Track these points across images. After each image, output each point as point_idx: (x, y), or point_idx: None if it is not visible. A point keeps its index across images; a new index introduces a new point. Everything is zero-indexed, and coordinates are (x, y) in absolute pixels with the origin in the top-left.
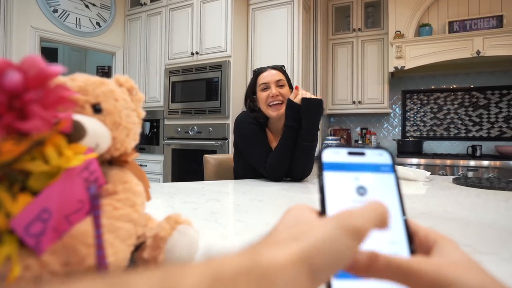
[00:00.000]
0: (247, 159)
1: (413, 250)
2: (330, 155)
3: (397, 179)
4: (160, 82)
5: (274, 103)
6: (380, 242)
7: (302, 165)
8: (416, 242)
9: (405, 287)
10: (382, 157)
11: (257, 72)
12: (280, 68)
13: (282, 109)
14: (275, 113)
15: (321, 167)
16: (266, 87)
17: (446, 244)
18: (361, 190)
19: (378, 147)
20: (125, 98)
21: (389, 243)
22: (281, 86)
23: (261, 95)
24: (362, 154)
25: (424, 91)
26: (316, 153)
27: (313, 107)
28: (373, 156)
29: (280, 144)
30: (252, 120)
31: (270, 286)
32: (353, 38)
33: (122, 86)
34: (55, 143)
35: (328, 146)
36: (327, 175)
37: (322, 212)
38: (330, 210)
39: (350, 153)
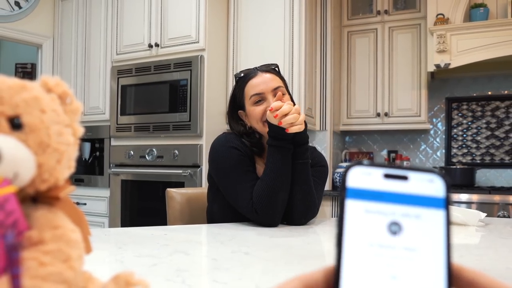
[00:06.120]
0: (227, 198)
1: None
2: (358, 177)
3: (448, 220)
4: (104, 86)
5: None
6: None
7: (304, 198)
8: None
9: None
10: (432, 185)
11: (243, 79)
12: (274, 69)
13: None
14: None
15: (344, 194)
16: (261, 98)
17: None
18: (394, 228)
19: (428, 169)
20: (56, 108)
21: None
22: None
23: (255, 111)
24: (404, 178)
25: (477, 98)
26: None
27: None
28: (419, 182)
29: (272, 169)
30: (236, 143)
31: None
32: (377, 23)
33: (51, 92)
34: None
35: (357, 163)
36: (351, 206)
37: (337, 264)
38: (348, 258)
39: (387, 176)
